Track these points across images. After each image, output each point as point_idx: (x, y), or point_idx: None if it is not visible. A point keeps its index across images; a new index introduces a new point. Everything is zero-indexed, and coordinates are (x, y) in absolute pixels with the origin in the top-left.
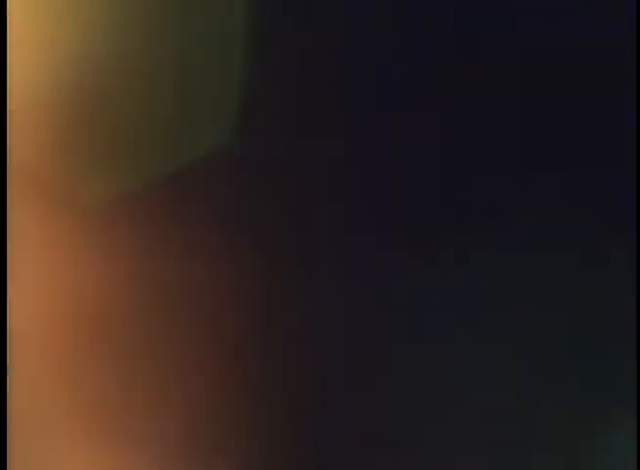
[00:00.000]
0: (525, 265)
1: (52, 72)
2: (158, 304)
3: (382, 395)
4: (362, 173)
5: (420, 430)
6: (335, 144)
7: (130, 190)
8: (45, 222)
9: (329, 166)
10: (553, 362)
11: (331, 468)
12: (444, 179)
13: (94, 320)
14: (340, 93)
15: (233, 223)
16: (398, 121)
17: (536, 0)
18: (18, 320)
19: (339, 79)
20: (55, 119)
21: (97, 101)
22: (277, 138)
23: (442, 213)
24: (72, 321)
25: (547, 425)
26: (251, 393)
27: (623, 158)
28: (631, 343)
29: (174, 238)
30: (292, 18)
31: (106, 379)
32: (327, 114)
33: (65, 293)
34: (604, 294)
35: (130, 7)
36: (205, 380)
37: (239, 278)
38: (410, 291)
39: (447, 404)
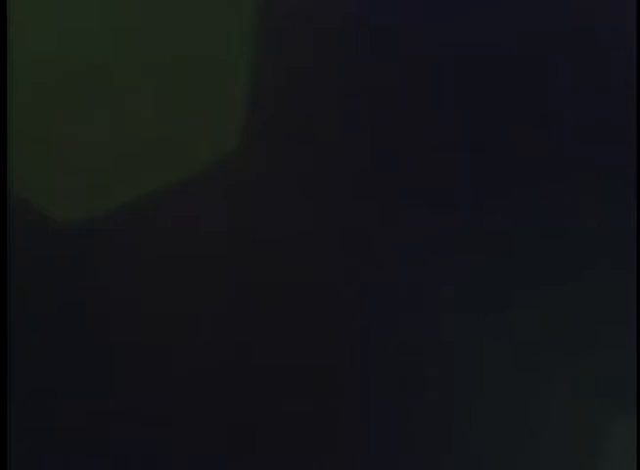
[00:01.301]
0: (525, 265)
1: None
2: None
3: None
4: (369, 172)
5: (416, 429)
6: (341, 143)
7: (137, 197)
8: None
9: (336, 165)
10: (553, 363)
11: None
12: (448, 181)
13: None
14: (347, 92)
15: (240, 227)
16: (405, 120)
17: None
18: None
19: (345, 79)
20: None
21: (92, 105)
22: (284, 139)
23: (445, 212)
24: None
25: (546, 425)
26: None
27: (624, 157)
28: (631, 343)
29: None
30: (299, 18)
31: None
32: (334, 113)
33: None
34: (604, 292)
35: (134, 7)
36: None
37: (244, 281)
38: (412, 295)
39: (444, 405)
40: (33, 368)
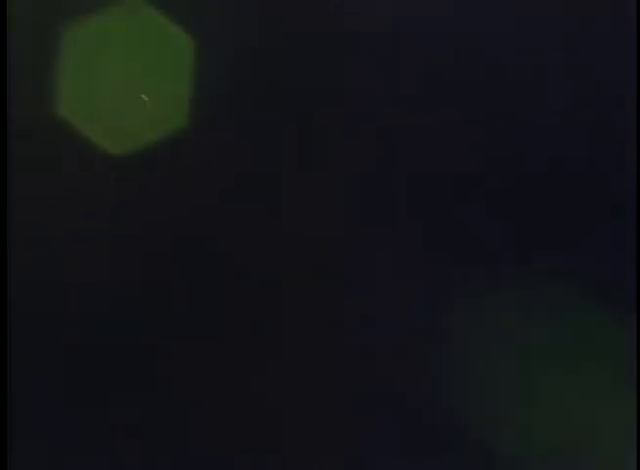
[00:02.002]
0: (525, 265)
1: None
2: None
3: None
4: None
5: (416, 428)
6: (338, 142)
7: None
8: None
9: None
10: (553, 363)
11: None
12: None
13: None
14: (340, 90)
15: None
16: (404, 120)
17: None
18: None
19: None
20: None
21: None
22: (230, 130)
23: (443, 221)
24: None
25: (546, 424)
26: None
27: (624, 159)
28: (632, 343)
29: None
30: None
31: None
32: (329, 109)
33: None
34: (604, 293)
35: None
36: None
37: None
38: (415, 294)
39: (444, 405)
40: (34, 363)
